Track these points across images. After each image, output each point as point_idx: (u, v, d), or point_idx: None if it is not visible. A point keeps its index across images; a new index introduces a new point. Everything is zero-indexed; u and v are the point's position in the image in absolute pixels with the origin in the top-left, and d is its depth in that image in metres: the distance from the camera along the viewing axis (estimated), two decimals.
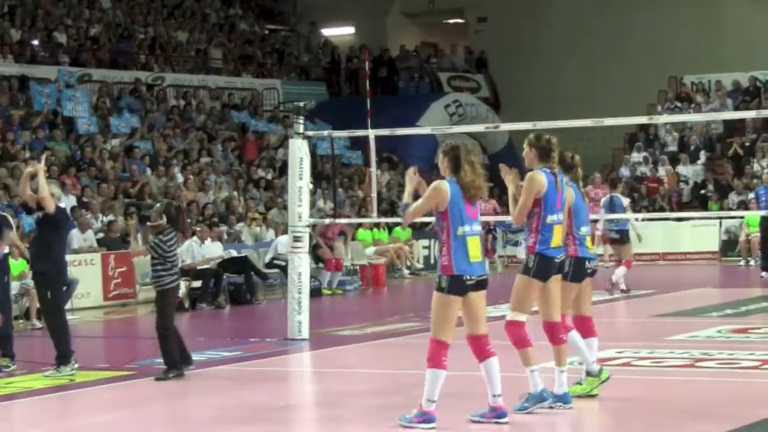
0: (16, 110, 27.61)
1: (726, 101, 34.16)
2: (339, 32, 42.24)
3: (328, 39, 41.13)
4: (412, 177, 9.61)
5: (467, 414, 9.59)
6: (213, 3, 38.83)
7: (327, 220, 22.28)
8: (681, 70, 35.70)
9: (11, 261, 15.12)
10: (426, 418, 9.30)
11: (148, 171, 27.15)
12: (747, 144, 32.88)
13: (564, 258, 10.06)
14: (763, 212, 23.13)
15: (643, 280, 22.42)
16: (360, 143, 29.99)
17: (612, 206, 20.62)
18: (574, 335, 10.36)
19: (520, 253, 26.07)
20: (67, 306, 16.42)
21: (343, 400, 11.40)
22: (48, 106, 28.06)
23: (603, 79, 36.45)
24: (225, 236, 24.83)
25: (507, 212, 10.56)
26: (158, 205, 13.57)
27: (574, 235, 10.38)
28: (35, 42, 31.51)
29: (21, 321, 19.03)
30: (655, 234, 28.32)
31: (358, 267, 26.06)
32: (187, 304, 20.77)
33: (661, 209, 30.45)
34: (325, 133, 19.78)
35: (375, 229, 27.58)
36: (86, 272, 21.60)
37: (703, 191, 31.65)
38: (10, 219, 14.51)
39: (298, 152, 16.16)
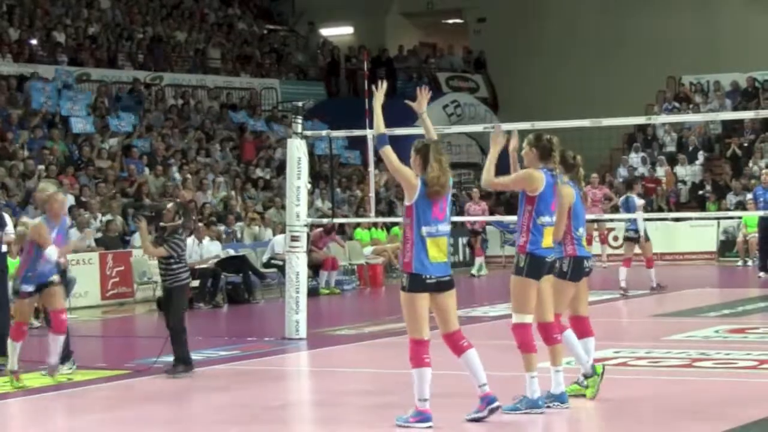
0: (14, 109, 27.60)
1: (724, 102, 34.17)
2: (338, 32, 42.24)
3: (327, 39, 41.14)
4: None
5: (462, 412, 9.60)
6: (212, 3, 38.81)
7: (325, 220, 22.29)
8: (679, 70, 35.69)
9: (9, 260, 15.09)
10: (422, 417, 9.32)
11: (147, 170, 27.16)
12: (745, 144, 32.88)
13: (555, 258, 10.05)
14: (761, 212, 23.14)
15: (642, 280, 22.39)
16: (358, 143, 29.98)
17: (628, 206, 20.98)
18: (570, 335, 10.37)
19: None
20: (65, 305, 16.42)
21: (340, 399, 11.41)
22: (46, 105, 28.06)
23: (601, 80, 36.45)
24: (223, 236, 24.85)
25: (505, 213, 10.55)
26: (170, 204, 13.60)
27: (572, 235, 10.38)
28: (34, 41, 31.50)
29: None
30: (653, 234, 28.24)
31: (355, 267, 26.08)
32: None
33: (659, 209, 30.46)
34: (324, 133, 19.78)
35: (373, 229, 27.59)
36: (84, 271, 21.62)
37: (701, 192, 31.65)
38: (7, 218, 14.52)
39: (297, 152, 16.18)
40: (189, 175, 27.57)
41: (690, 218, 28.91)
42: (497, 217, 26.71)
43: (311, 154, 23.63)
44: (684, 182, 32.57)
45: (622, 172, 32.83)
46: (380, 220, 26.04)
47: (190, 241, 21.84)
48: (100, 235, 23.46)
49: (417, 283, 9.27)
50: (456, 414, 9.66)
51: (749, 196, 27.19)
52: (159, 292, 21.33)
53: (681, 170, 32.76)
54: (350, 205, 29.18)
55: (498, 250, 29.89)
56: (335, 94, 38.49)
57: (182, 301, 13.29)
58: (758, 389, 11.07)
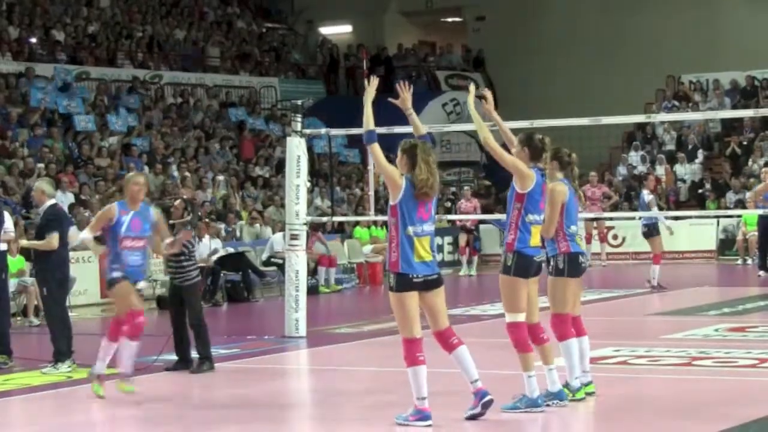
0: (13, 107, 27.61)
1: (724, 100, 34.15)
2: (336, 31, 42.23)
3: (326, 37, 41.13)
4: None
5: (461, 410, 9.60)
6: (211, 1, 38.81)
7: (324, 218, 22.28)
8: (679, 69, 35.66)
9: (9, 258, 15.09)
10: (422, 416, 9.32)
11: (146, 169, 27.15)
12: (745, 143, 32.87)
13: (543, 260, 10.02)
14: (760, 211, 23.13)
15: (641, 279, 22.39)
16: (357, 142, 29.99)
17: (640, 203, 21.50)
18: (571, 345, 10.21)
19: None
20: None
21: (340, 397, 11.41)
22: (45, 103, 28.07)
23: (601, 78, 36.43)
24: (223, 234, 24.84)
25: (503, 211, 10.54)
26: (178, 201, 13.57)
27: (564, 232, 10.31)
28: (33, 40, 31.52)
29: (19, 318, 19.09)
30: None
31: (355, 265, 26.07)
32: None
33: (659, 208, 30.42)
34: (323, 131, 19.76)
35: (372, 227, 27.59)
36: (83, 270, 21.60)
37: (700, 190, 31.63)
38: (6, 215, 14.47)
39: (296, 150, 16.18)
40: (188, 174, 27.57)
41: (689, 217, 28.89)
42: (495, 216, 26.72)
43: (310, 152, 23.61)
44: (683, 181, 32.56)
45: (622, 170, 32.84)
46: (379, 218, 25.97)
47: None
48: (99, 233, 23.41)
49: (404, 283, 9.27)
50: (455, 412, 9.65)
51: (749, 194, 27.17)
52: (159, 291, 21.35)
53: (680, 169, 32.75)
54: (349, 203, 29.19)
55: (497, 248, 29.86)
56: (334, 92, 38.50)
57: (195, 298, 13.20)
58: (758, 388, 11.07)
